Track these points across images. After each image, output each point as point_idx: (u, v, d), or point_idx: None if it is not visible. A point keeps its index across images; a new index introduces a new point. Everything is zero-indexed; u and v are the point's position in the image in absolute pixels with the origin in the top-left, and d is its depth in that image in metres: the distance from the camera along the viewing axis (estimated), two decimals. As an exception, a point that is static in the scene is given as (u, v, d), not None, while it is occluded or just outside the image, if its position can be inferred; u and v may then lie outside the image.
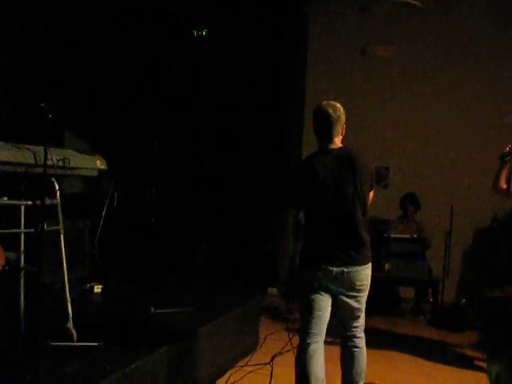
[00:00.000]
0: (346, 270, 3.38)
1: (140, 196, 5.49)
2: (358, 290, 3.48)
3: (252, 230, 7.10)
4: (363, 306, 3.58)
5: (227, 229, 6.95)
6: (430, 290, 7.02)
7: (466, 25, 7.90)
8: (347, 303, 3.48)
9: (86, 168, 3.73)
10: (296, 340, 4.56)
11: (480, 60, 7.88)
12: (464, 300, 7.08)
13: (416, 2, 7.03)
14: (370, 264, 3.55)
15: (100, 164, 3.80)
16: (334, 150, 3.46)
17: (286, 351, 4.85)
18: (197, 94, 7.28)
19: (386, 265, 6.76)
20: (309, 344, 3.41)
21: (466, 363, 4.92)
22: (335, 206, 3.36)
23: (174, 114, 7.03)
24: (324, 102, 3.55)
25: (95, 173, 3.83)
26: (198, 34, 7.09)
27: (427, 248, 6.95)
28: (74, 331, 3.50)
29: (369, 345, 5.35)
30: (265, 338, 5.31)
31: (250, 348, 4.94)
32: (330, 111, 3.47)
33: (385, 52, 8.20)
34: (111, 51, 6.30)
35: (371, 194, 3.61)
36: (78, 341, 3.46)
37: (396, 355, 5.13)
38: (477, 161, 7.79)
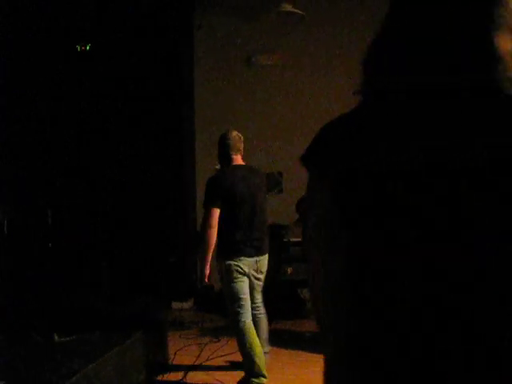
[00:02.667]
0: (258, 258, 4.41)
1: (35, 220, 5.23)
2: (262, 272, 4.51)
3: (155, 244, 6.99)
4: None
5: (129, 245, 6.82)
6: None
7: (346, 32, 8.24)
8: (256, 283, 4.50)
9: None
10: (206, 352, 4.56)
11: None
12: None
13: (299, 12, 7.23)
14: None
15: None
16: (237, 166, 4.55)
17: (198, 365, 4.82)
18: (85, 108, 7.08)
19: (288, 269, 6.87)
20: (244, 322, 4.25)
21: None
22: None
23: (61, 129, 6.80)
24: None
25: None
26: (81, 48, 6.88)
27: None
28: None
29: (281, 348, 5.47)
30: (175, 354, 5.23)
31: (161, 366, 4.83)
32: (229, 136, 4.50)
33: (269, 60, 8.37)
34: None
35: None
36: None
37: (307, 356, 5.20)
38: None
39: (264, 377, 4.23)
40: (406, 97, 0.92)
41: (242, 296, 4.29)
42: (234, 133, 4.53)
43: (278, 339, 5.91)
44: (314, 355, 5.27)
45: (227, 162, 4.46)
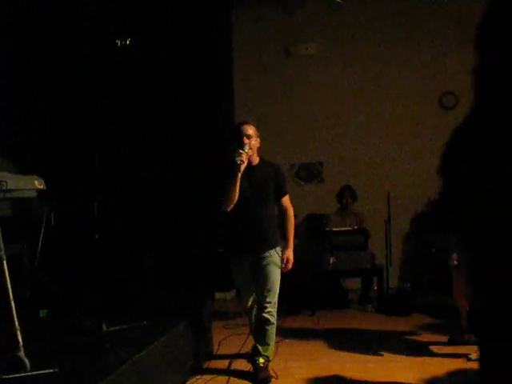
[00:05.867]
0: None
1: (81, 213, 5.33)
2: None
3: (200, 234, 7.05)
4: None
5: (174, 235, 6.90)
6: (375, 278, 7.17)
7: (383, 20, 8.16)
8: None
9: (24, 189, 3.58)
10: (250, 342, 4.58)
11: (401, 51, 8.15)
12: (408, 285, 7.27)
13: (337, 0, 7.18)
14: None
15: (38, 184, 3.65)
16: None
17: (242, 354, 4.86)
18: (132, 103, 7.16)
19: (331, 259, 6.86)
20: None
21: (418, 348, 5.04)
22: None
23: (110, 126, 6.90)
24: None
25: (34, 193, 3.68)
26: (121, 43, 6.96)
27: (368, 237, 7.08)
28: (26, 360, 3.35)
29: (323, 338, 5.48)
30: (219, 344, 5.29)
31: (206, 356, 4.88)
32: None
33: (307, 50, 8.34)
34: (38, 65, 6.11)
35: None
36: (32, 370, 3.31)
37: (349, 345, 5.19)
38: (408, 147, 8.05)
39: None
40: None
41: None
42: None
43: (322, 327, 5.93)
44: (357, 342, 5.28)
45: None
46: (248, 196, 4.25)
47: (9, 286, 3.41)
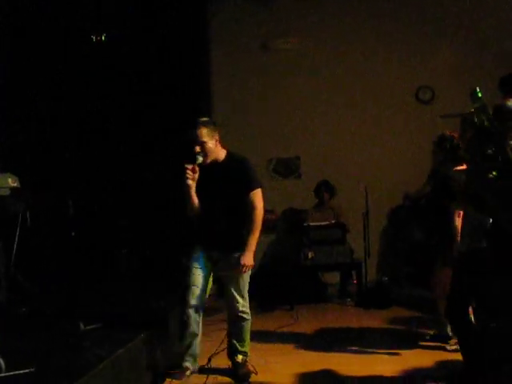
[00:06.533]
0: None
1: (56, 210, 5.27)
2: None
3: (176, 230, 7.01)
4: None
5: (149, 232, 6.85)
6: (353, 272, 7.21)
7: (362, 15, 8.19)
8: None
9: (-3, 187, 3.52)
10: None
11: (379, 45, 8.18)
12: (386, 278, 7.32)
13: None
14: None
15: (12, 182, 3.60)
16: None
17: (222, 350, 4.84)
18: (104, 99, 7.10)
19: (309, 253, 6.87)
20: None
21: (398, 340, 5.06)
22: None
23: (81, 122, 6.84)
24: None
25: (7, 192, 3.62)
26: (96, 39, 6.89)
27: (346, 232, 7.11)
28: (1, 361, 3.30)
29: (303, 332, 5.49)
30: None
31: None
32: None
33: (285, 45, 8.33)
34: (13, 62, 6.02)
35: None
36: (7, 370, 3.26)
37: (328, 340, 5.21)
38: (385, 141, 8.09)
39: None
40: None
41: None
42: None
43: (301, 322, 5.94)
44: (337, 336, 5.30)
45: None
46: (214, 194, 4.03)
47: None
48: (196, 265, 4.13)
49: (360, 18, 8.18)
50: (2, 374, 3.23)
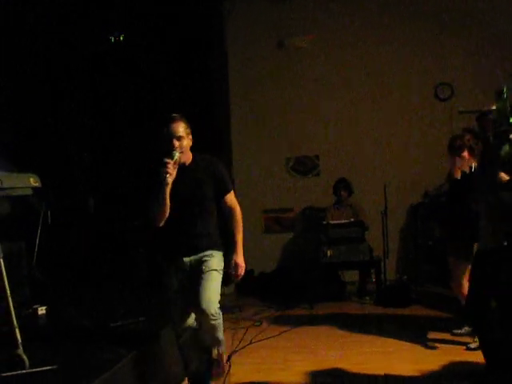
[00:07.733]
0: None
1: (77, 210, 5.33)
2: None
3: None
4: None
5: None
6: (372, 271, 7.19)
7: (377, 12, 8.16)
8: None
9: (19, 187, 3.57)
10: (248, 336, 4.57)
11: (397, 43, 8.16)
12: (405, 276, 7.29)
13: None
14: None
15: (34, 182, 3.64)
16: None
17: (241, 348, 4.88)
18: (123, 101, 7.16)
19: (328, 251, 6.86)
20: None
21: (417, 339, 5.04)
22: None
23: (99, 122, 6.90)
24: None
25: (30, 191, 3.67)
26: (115, 39, 6.95)
27: (365, 230, 7.09)
28: (25, 358, 3.35)
29: (322, 330, 5.50)
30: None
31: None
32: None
33: (302, 42, 8.32)
34: (31, 63, 6.09)
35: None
36: (31, 367, 3.32)
37: (348, 338, 5.21)
38: (404, 139, 8.06)
39: None
40: None
41: None
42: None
43: (320, 321, 5.94)
44: (356, 335, 5.30)
45: None
46: (182, 199, 3.66)
47: (7, 285, 3.41)
48: (173, 281, 3.76)
49: (378, 15, 8.15)
50: (26, 371, 3.29)
